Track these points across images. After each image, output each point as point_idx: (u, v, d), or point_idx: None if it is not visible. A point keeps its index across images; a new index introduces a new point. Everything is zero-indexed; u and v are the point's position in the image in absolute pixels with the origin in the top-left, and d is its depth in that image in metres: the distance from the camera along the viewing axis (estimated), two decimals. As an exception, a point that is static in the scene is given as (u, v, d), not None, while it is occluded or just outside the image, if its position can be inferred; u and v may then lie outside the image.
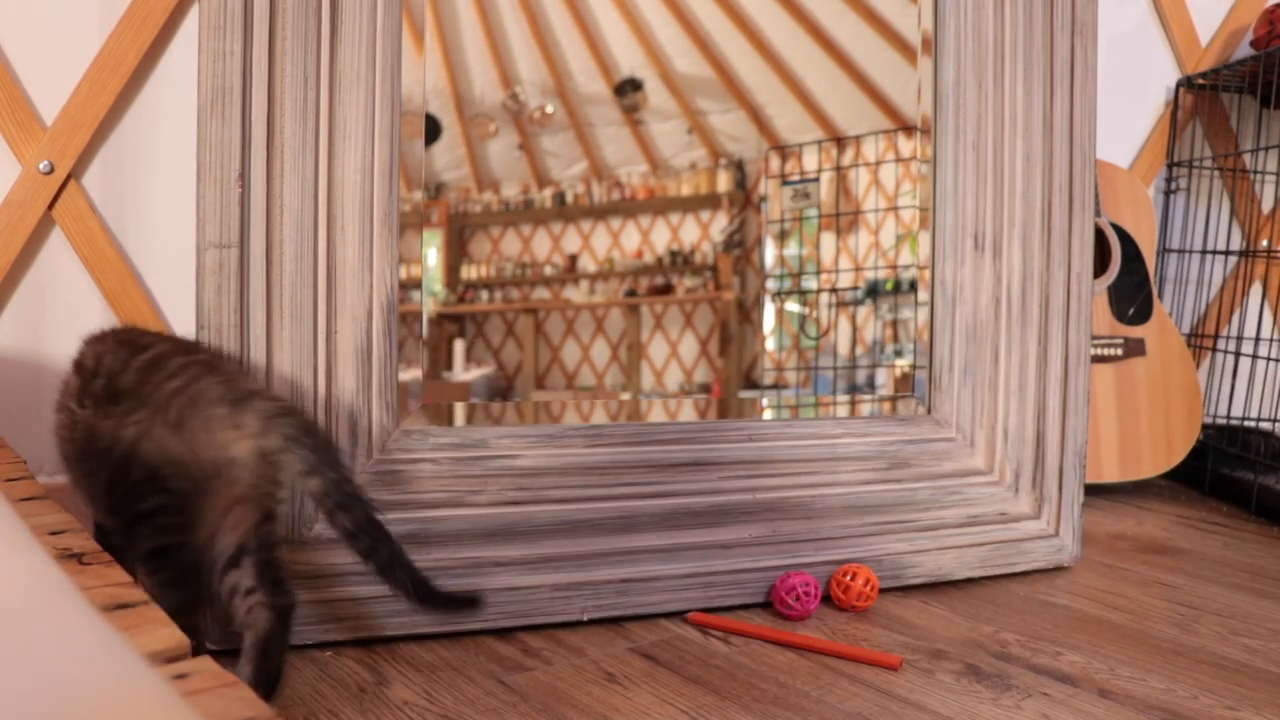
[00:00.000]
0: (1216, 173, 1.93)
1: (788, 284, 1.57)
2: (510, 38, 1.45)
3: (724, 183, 1.58)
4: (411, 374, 1.09)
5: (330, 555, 0.98)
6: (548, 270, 1.55)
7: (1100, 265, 1.67)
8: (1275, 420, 1.76)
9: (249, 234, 0.98)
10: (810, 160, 1.53)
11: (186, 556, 0.80)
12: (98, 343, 0.87)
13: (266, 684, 0.81)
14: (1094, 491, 1.66)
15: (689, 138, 1.57)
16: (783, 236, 1.55)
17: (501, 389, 1.50)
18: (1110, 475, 1.66)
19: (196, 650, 0.58)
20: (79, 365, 0.86)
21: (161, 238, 1.32)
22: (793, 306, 1.55)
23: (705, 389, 1.57)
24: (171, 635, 0.59)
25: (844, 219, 1.51)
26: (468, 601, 0.89)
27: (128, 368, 0.82)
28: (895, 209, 1.44)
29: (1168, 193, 1.90)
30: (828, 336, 1.51)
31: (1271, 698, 0.91)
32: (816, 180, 1.52)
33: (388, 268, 1.03)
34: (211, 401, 0.79)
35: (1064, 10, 1.28)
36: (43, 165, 1.25)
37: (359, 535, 0.81)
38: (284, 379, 0.99)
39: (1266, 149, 1.88)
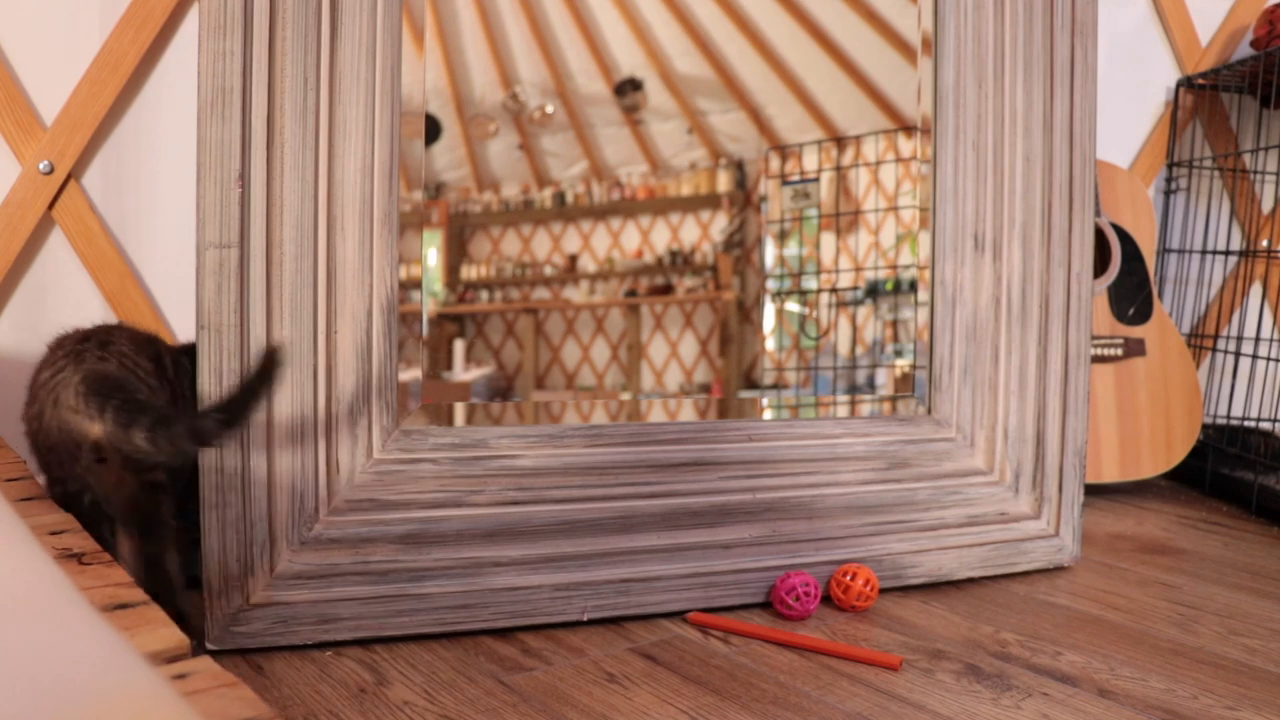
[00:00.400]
0: (1216, 173, 1.93)
1: (788, 284, 1.57)
2: (510, 38, 1.45)
3: (724, 183, 1.58)
4: (411, 374, 1.09)
5: (330, 555, 0.98)
6: (548, 270, 1.55)
7: (1100, 265, 1.67)
8: (1275, 420, 1.76)
9: (249, 234, 0.98)
10: (810, 160, 1.53)
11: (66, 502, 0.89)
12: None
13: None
14: (1094, 491, 1.66)
15: (689, 138, 1.57)
16: (783, 236, 1.55)
17: (501, 389, 1.50)
18: (1110, 475, 1.66)
19: (196, 650, 0.58)
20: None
21: (161, 237, 1.32)
22: (793, 306, 1.55)
23: (705, 389, 1.57)
24: (171, 635, 0.59)
25: (844, 219, 1.51)
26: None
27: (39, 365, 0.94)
28: (895, 209, 1.44)
29: (1168, 193, 1.90)
30: (828, 336, 1.51)
31: (1271, 697, 0.91)
32: (816, 180, 1.52)
33: (388, 268, 1.03)
34: (64, 386, 0.88)
35: (1064, 10, 1.28)
36: (43, 165, 1.25)
37: (152, 440, 0.83)
38: (284, 379, 0.99)
39: (1266, 149, 1.88)
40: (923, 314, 1.29)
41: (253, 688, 0.52)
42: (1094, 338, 1.66)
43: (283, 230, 0.99)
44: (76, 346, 0.92)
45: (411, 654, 0.96)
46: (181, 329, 1.35)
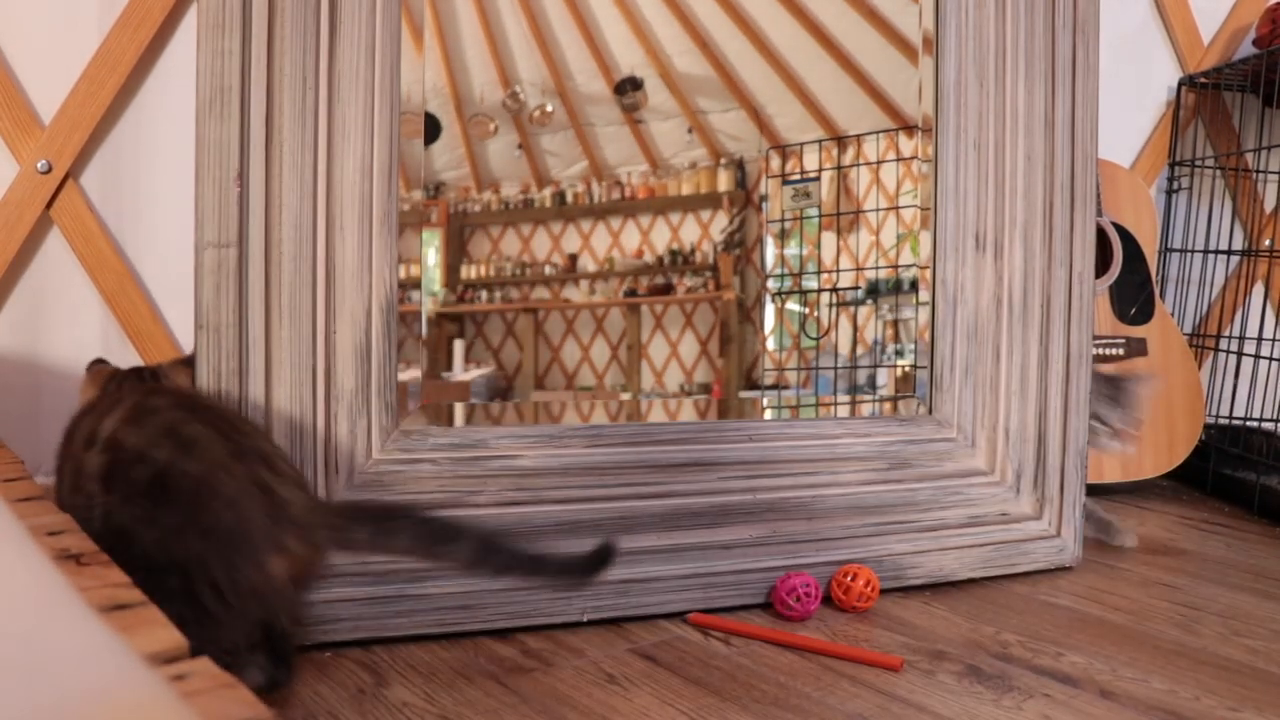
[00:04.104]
0: (1219, 172, 1.93)
1: (788, 284, 1.56)
2: (510, 37, 1.45)
3: (724, 182, 1.57)
4: (411, 374, 1.09)
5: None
6: (547, 270, 1.54)
7: (1102, 265, 1.67)
8: (1277, 421, 1.76)
9: (248, 234, 0.97)
10: (811, 159, 1.52)
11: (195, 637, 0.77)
12: (134, 421, 0.81)
13: None
14: (1095, 492, 1.66)
15: (689, 137, 1.57)
16: (783, 236, 1.54)
17: (501, 389, 1.50)
18: (1112, 475, 1.66)
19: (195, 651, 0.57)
20: (112, 443, 0.80)
21: (160, 237, 1.32)
22: (793, 306, 1.54)
23: (705, 389, 1.56)
24: (169, 636, 0.58)
25: (845, 218, 1.51)
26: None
27: (178, 471, 0.77)
28: (896, 208, 1.44)
29: (1170, 192, 1.90)
30: (828, 336, 1.50)
31: (1274, 699, 0.91)
32: (817, 179, 1.52)
33: (387, 267, 1.03)
34: (261, 533, 0.77)
35: (1065, 9, 1.27)
36: (40, 164, 1.24)
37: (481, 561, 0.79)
38: (283, 380, 0.99)
39: (1269, 148, 1.88)
40: (924, 314, 1.28)
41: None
42: (1095, 337, 1.65)
43: (281, 230, 0.99)
44: (245, 470, 0.79)
45: (411, 655, 0.96)
46: (180, 329, 1.35)
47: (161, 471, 0.77)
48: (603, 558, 0.85)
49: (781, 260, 1.57)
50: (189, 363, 0.99)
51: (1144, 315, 1.71)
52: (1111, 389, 1.42)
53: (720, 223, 1.57)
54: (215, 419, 0.83)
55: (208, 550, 0.75)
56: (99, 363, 1.02)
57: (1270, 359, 1.73)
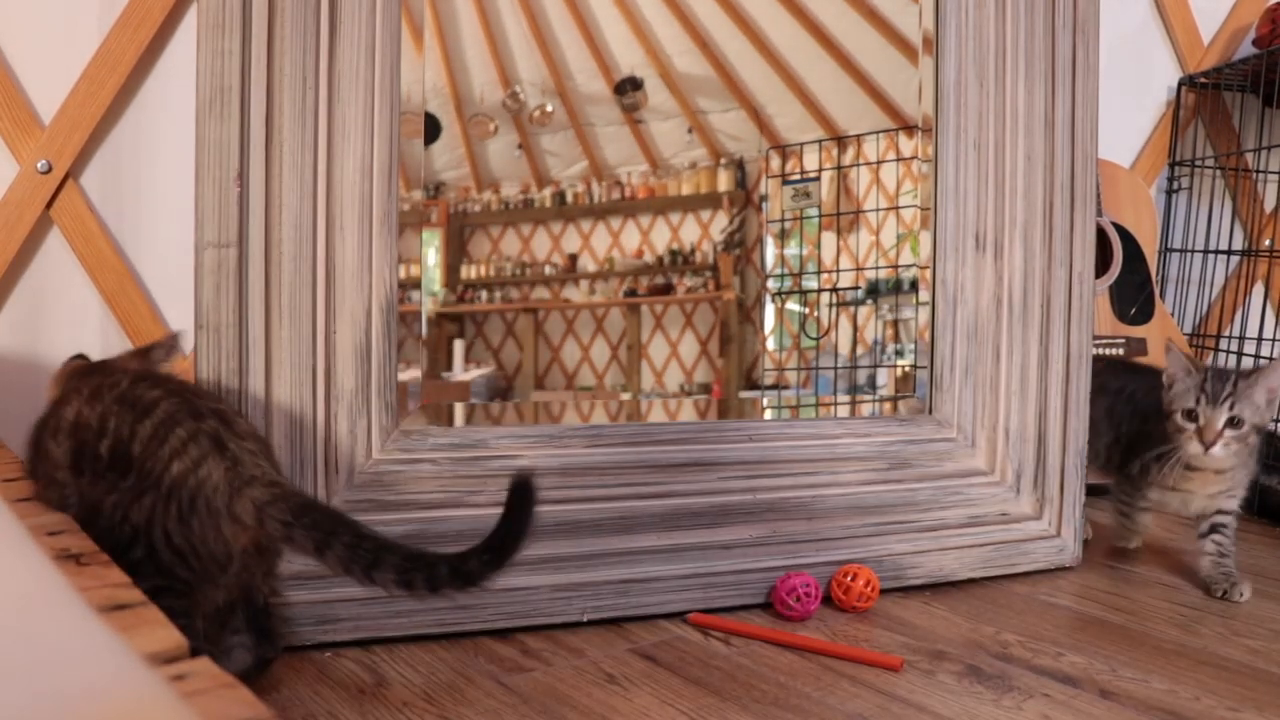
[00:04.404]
0: (1218, 172, 1.93)
1: (788, 284, 1.56)
2: (510, 37, 1.45)
3: (724, 182, 1.57)
4: (411, 374, 1.09)
5: (329, 556, 0.98)
6: (547, 270, 1.54)
7: (1102, 265, 1.67)
8: (1278, 421, 1.76)
9: (248, 234, 0.97)
10: (811, 159, 1.52)
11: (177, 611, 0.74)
12: (93, 398, 0.81)
13: None
14: (1096, 492, 1.66)
15: (689, 137, 1.57)
16: (783, 236, 1.54)
17: (501, 389, 1.50)
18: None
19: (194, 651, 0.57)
20: (75, 426, 0.80)
21: (160, 237, 1.32)
22: (793, 306, 1.54)
23: (705, 389, 1.56)
24: (169, 636, 0.58)
25: (845, 218, 1.51)
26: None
27: (135, 435, 0.77)
28: (896, 208, 1.44)
29: (1170, 192, 1.90)
30: (828, 336, 1.50)
31: (1274, 699, 0.91)
32: (817, 179, 1.52)
33: (387, 267, 1.03)
34: (216, 491, 0.75)
35: (1065, 9, 1.27)
36: (40, 164, 1.24)
37: (405, 583, 0.73)
38: (283, 380, 0.99)
39: (1269, 148, 1.88)
40: (924, 314, 1.28)
41: (251, 689, 0.52)
42: (1095, 337, 1.65)
43: (281, 230, 0.99)
44: (197, 425, 0.77)
45: (411, 655, 0.96)
46: (180, 329, 1.34)
47: (120, 438, 0.77)
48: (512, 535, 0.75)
49: (781, 260, 1.57)
50: (142, 353, 0.97)
51: (1144, 315, 1.71)
52: None
53: (720, 223, 1.57)
54: (172, 385, 0.83)
55: (162, 510, 0.74)
56: (78, 358, 1.00)
57: (1270, 359, 1.73)
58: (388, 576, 0.72)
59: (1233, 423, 1.13)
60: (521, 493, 0.74)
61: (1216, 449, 1.13)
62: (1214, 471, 1.20)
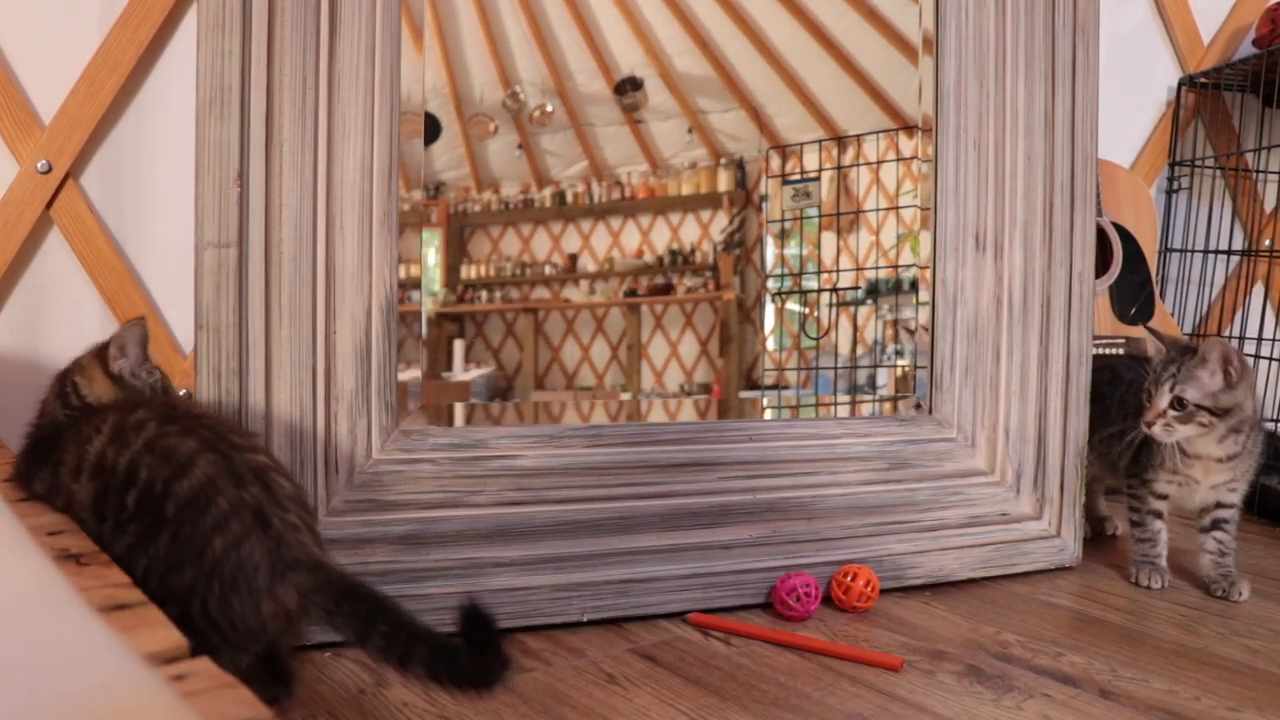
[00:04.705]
0: (1218, 172, 1.93)
1: (788, 284, 1.56)
2: (510, 37, 1.45)
3: (724, 182, 1.57)
4: (411, 374, 1.09)
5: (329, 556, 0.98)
6: (547, 270, 1.54)
7: (1102, 265, 1.67)
8: (1278, 421, 1.76)
9: (248, 234, 0.97)
10: (811, 159, 1.52)
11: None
12: (118, 440, 0.77)
13: None
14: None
15: (689, 137, 1.57)
16: (783, 236, 1.54)
17: (501, 389, 1.50)
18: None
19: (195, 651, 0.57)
20: (100, 467, 0.76)
21: (160, 237, 1.32)
22: (793, 306, 1.54)
23: (705, 389, 1.56)
24: (169, 636, 0.58)
25: (845, 218, 1.51)
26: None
27: (170, 494, 0.74)
28: (896, 208, 1.44)
29: (1170, 192, 1.90)
30: (828, 336, 1.50)
31: (1274, 699, 0.91)
32: (817, 179, 1.52)
33: (387, 267, 1.03)
34: (258, 572, 0.73)
35: (1065, 9, 1.27)
36: (40, 164, 1.24)
37: (433, 677, 0.71)
38: (283, 380, 0.99)
39: (1269, 148, 1.88)
40: (924, 313, 1.28)
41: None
42: (1095, 337, 1.65)
43: (281, 230, 0.99)
44: (239, 495, 0.74)
45: (411, 655, 0.96)
46: (180, 329, 1.35)
47: (151, 493, 0.74)
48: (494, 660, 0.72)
49: (781, 260, 1.57)
50: (99, 352, 0.94)
51: (1144, 315, 1.71)
52: None
53: (720, 223, 1.57)
54: (204, 432, 0.79)
55: (204, 585, 0.72)
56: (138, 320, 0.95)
57: (1270, 359, 1.73)
58: (418, 671, 0.70)
59: (1176, 404, 1.12)
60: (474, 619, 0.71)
61: (1157, 429, 1.13)
62: (1215, 460, 1.19)
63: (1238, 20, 1.91)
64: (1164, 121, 1.90)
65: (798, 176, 1.53)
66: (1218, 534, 1.22)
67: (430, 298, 1.44)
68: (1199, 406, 1.13)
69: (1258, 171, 1.94)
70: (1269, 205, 1.98)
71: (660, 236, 1.57)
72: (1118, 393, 1.32)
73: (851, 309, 1.51)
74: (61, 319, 1.29)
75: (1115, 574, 1.28)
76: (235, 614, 0.73)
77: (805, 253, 1.55)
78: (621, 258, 1.57)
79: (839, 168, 1.50)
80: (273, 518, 0.75)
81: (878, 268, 1.47)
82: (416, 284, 1.11)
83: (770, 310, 1.54)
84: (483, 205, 1.51)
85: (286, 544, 0.75)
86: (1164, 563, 1.25)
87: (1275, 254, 1.96)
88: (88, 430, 0.81)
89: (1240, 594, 1.17)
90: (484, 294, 1.51)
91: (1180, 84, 1.87)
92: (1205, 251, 1.88)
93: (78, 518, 0.79)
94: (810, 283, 1.55)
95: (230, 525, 0.73)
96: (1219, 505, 1.22)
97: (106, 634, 0.50)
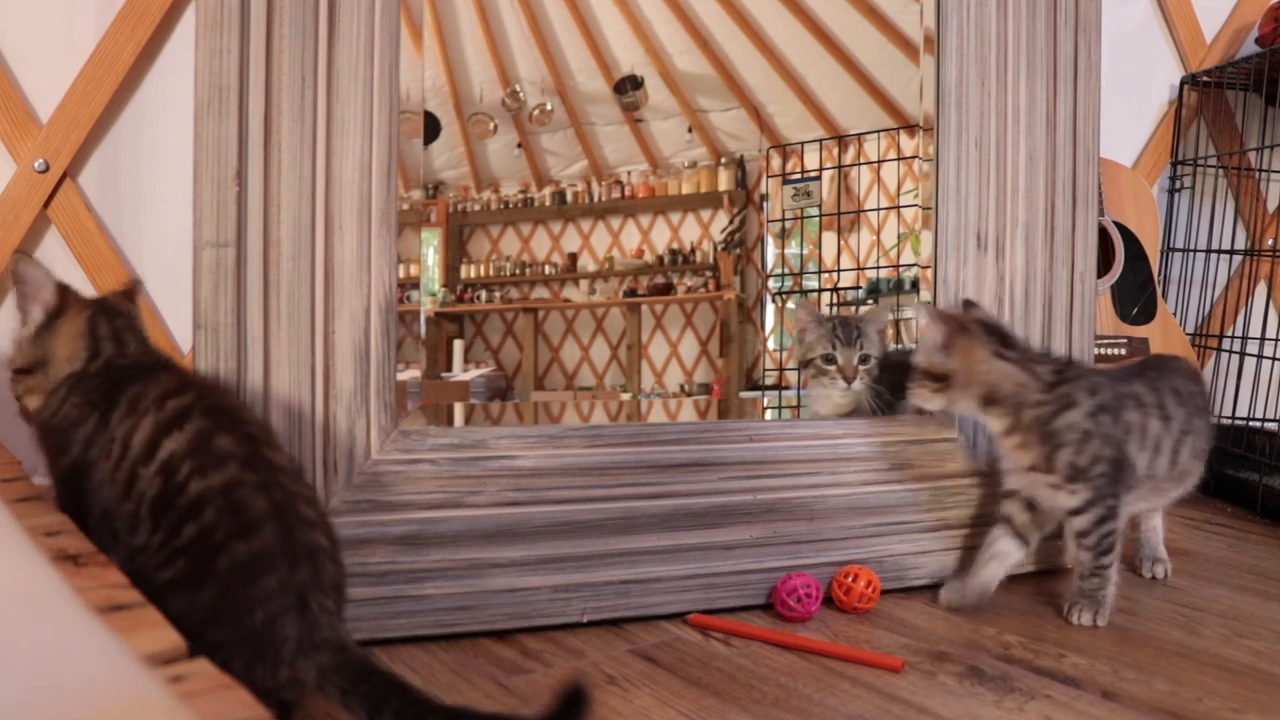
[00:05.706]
0: (1221, 171, 1.93)
1: (789, 283, 1.56)
2: (509, 36, 1.44)
3: (724, 181, 1.57)
4: (410, 374, 1.09)
5: (328, 556, 0.97)
6: (547, 269, 1.54)
7: (1104, 264, 1.66)
8: (1277, 420, 1.75)
9: (246, 233, 0.97)
10: (811, 159, 1.52)
11: None
12: (197, 455, 0.76)
13: None
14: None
15: (689, 136, 1.56)
16: (784, 235, 1.54)
17: (501, 389, 1.50)
18: (1113, 475, 1.65)
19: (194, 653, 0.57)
20: (169, 468, 0.76)
21: (158, 236, 1.32)
22: (794, 306, 1.54)
23: (706, 389, 1.56)
24: (167, 636, 0.58)
25: (845, 218, 1.50)
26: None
27: (227, 550, 0.75)
28: (897, 208, 1.44)
29: (1172, 191, 1.90)
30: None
31: (1277, 700, 0.90)
32: (818, 179, 1.52)
33: (386, 267, 1.02)
34: (285, 646, 0.74)
35: (1067, 8, 1.27)
36: (38, 163, 1.24)
37: None
38: (281, 380, 0.99)
39: (1272, 147, 1.87)
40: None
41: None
42: (1097, 337, 1.65)
43: (280, 229, 0.98)
44: (290, 575, 0.74)
45: (410, 656, 0.96)
46: (178, 329, 1.34)
47: (210, 539, 0.75)
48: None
49: (782, 260, 1.56)
50: (129, 294, 0.95)
51: (1146, 315, 1.70)
52: None
53: (720, 222, 1.57)
54: (278, 493, 0.78)
55: (234, 646, 0.73)
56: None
57: (1273, 359, 1.73)
58: None
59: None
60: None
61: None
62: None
63: (1240, 19, 1.90)
64: (1166, 121, 1.90)
65: (798, 176, 1.53)
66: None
67: (429, 297, 1.44)
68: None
69: (1260, 171, 1.94)
70: (1272, 205, 1.97)
71: (660, 236, 1.57)
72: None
73: (852, 309, 1.51)
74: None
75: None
76: (255, 675, 0.74)
77: (806, 252, 1.55)
78: (621, 257, 1.57)
79: (840, 167, 1.50)
80: (313, 603, 0.76)
81: (879, 267, 1.47)
82: (416, 284, 1.11)
83: (770, 310, 1.54)
84: (482, 205, 1.51)
85: (319, 626, 0.76)
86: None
87: (1278, 254, 1.95)
88: (155, 406, 0.80)
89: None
90: (483, 294, 1.51)
91: (1182, 83, 1.87)
92: (1208, 251, 1.88)
93: (136, 504, 0.77)
94: (811, 282, 1.55)
95: (274, 602, 0.74)
96: None
97: (104, 634, 0.50)
